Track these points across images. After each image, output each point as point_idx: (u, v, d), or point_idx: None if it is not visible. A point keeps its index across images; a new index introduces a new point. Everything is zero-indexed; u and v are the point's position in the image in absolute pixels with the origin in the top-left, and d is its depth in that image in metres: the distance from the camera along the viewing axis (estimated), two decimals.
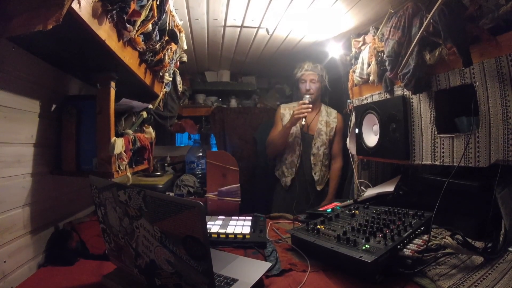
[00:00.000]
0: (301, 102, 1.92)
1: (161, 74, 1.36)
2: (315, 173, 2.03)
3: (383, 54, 1.32)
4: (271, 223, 1.36)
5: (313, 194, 2.04)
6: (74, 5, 0.61)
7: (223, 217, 1.34)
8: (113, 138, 0.99)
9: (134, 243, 0.72)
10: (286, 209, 1.83)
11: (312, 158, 2.04)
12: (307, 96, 1.95)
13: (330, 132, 2.07)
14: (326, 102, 2.21)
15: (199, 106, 2.68)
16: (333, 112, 2.14)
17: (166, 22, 1.08)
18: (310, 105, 1.89)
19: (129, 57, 0.96)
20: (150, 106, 1.40)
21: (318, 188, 2.05)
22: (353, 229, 1.01)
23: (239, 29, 1.70)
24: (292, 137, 2.05)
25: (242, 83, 2.79)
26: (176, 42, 1.24)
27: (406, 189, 1.40)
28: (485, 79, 0.95)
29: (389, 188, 1.41)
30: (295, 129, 2.04)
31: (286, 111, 2.12)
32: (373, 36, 1.48)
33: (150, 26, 0.94)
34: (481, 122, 0.97)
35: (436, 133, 1.15)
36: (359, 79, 1.61)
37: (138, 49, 1.00)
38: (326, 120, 2.09)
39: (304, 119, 1.90)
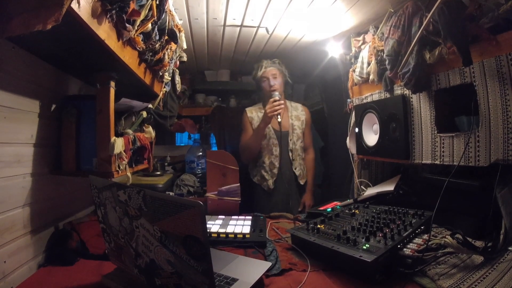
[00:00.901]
0: (271, 100, 1.88)
1: (160, 74, 1.36)
2: (295, 168, 2.03)
3: (383, 53, 1.32)
4: (271, 223, 1.37)
5: (297, 190, 2.04)
6: (74, 5, 0.61)
7: (223, 216, 1.34)
8: (113, 138, 0.99)
9: (134, 243, 0.72)
10: (272, 211, 1.81)
11: (290, 154, 2.03)
12: (276, 93, 1.92)
13: (302, 125, 2.08)
14: (291, 96, 2.19)
15: (199, 105, 2.68)
16: (299, 106, 2.14)
17: (166, 22, 1.08)
18: (282, 101, 1.88)
19: (128, 57, 0.96)
20: (150, 105, 1.39)
21: (301, 182, 2.05)
22: (353, 229, 1.01)
23: (238, 28, 1.70)
24: (266, 139, 2.02)
25: (242, 83, 2.79)
26: (176, 42, 1.24)
27: (406, 188, 1.40)
28: (485, 78, 0.95)
29: (389, 187, 1.41)
30: (267, 130, 2.01)
31: (253, 114, 2.09)
32: (373, 35, 1.48)
33: (149, 25, 0.94)
34: (481, 121, 0.97)
35: (436, 132, 1.15)
36: (359, 79, 1.61)
37: (138, 48, 1.00)
38: (295, 114, 2.09)
39: (279, 116, 1.84)
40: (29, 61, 0.90)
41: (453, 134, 1.08)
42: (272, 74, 2.01)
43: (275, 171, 2.00)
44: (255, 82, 2.14)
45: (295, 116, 2.08)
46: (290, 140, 2.04)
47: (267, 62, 2.04)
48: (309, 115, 2.14)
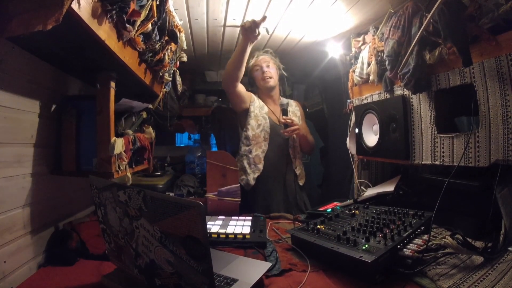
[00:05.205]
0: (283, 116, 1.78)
1: (161, 74, 1.36)
2: (296, 168, 1.89)
3: (383, 53, 1.32)
4: (271, 223, 1.36)
5: (299, 190, 1.91)
6: (74, 5, 0.61)
7: (223, 217, 1.34)
8: (113, 138, 0.99)
9: (134, 243, 0.72)
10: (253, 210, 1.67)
11: (290, 151, 1.88)
12: (285, 101, 1.83)
13: (299, 121, 1.94)
14: (285, 94, 2.04)
15: (199, 106, 2.68)
16: (292, 102, 2.03)
17: (166, 22, 1.08)
18: (297, 125, 1.78)
19: (128, 57, 0.96)
20: (150, 106, 1.40)
21: (301, 183, 1.92)
22: (353, 229, 1.01)
23: (239, 29, 1.70)
24: (259, 129, 1.83)
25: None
26: (176, 42, 1.24)
27: (406, 189, 1.40)
28: (485, 79, 0.95)
29: (389, 188, 1.41)
30: (264, 121, 1.84)
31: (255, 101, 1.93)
32: (373, 35, 1.48)
33: (149, 26, 0.94)
34: (481, 121, 0.97)
35: (436, 133, 1.15)
36: (359, 79, 1.61)
37: (138, 49, 1.00)
38: (292, 110, 1.98)
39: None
40: (29, 61, 0.90)
41: (453, 135, 1.08)
42: (265, 62, 1.85)
43: (260, 166, 1.79)
44: (248, 74, 1.93)
45: (292, 112, 1.98)
46: (290, 136, 1.87)
47: (259, 51, 1.90)
48: (302, 110, 2.06)
